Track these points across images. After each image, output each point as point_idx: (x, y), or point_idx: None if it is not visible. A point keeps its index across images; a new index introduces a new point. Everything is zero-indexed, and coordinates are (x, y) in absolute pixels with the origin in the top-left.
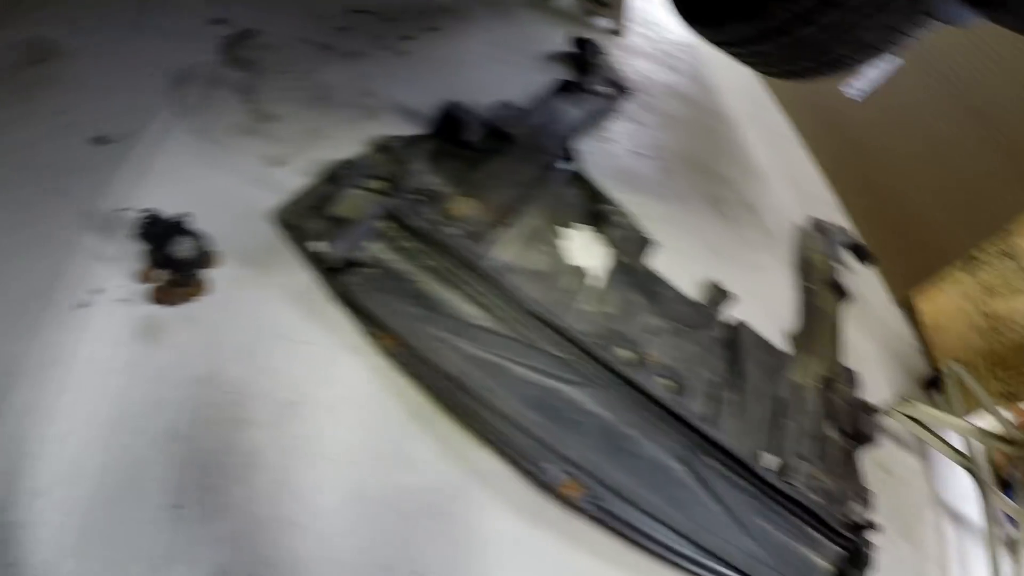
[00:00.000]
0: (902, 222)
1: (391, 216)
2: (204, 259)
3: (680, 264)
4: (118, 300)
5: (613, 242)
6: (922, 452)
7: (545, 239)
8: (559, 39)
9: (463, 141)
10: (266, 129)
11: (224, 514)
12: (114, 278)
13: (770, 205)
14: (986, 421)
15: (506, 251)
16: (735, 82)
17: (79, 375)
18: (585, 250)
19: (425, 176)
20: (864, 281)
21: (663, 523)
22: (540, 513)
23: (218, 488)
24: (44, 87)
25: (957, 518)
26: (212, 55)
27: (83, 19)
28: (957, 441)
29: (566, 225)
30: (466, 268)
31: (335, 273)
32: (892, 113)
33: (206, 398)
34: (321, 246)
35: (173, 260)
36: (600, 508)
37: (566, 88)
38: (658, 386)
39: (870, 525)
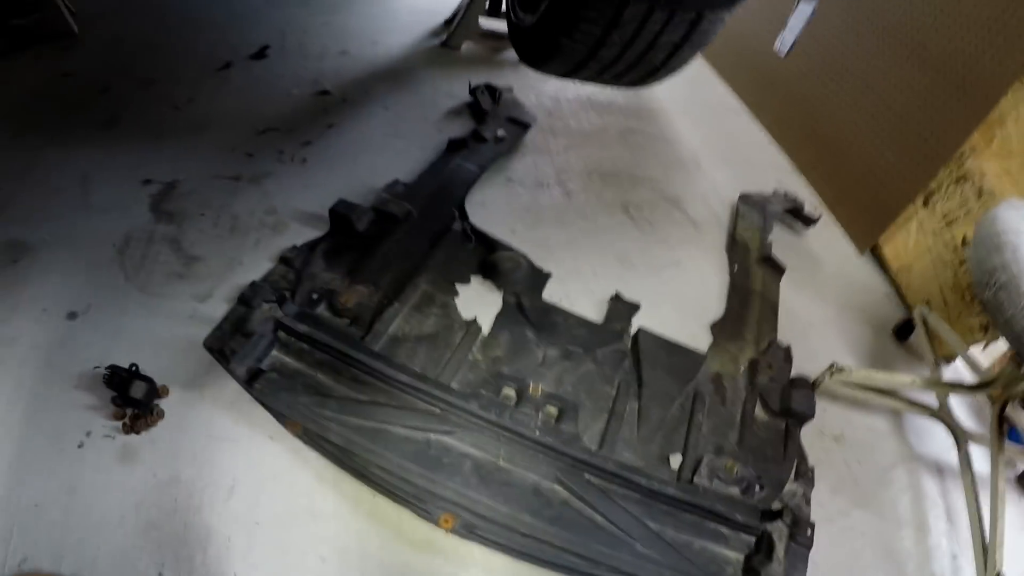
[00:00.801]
0: (857, 172)
1: (281, 326)
2: (156, 392)
3: (582, 287)
4: (103, 436)
5: (505, 286)
6: (894, 411)
7: (436, 302)
8: (463, 91)
9: (355, 233)
10: (193, 271)
11: (191, 575)
12: (98, 421)
13: (698, 193)
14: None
15: (394, 325)
16: None
17: (86, 495)
18: (478, 302)
19: (320, 276)
20: (826, 241)
21: (540, 540)
22: (430, 541)
23: (186, 557)
24: (22, 283)
25: (943, 472)
26: (146, 215)
27: (40, 214)
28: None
29: (459, 283)
30: (350, 354)
31: (248, 382)
32: (821, 59)
33: (170, 495)
34: (231, 365)
35: (133, 399)
36: (474, 533)
37: (458, 146)
38: (526, 419)
39: (785, 506)
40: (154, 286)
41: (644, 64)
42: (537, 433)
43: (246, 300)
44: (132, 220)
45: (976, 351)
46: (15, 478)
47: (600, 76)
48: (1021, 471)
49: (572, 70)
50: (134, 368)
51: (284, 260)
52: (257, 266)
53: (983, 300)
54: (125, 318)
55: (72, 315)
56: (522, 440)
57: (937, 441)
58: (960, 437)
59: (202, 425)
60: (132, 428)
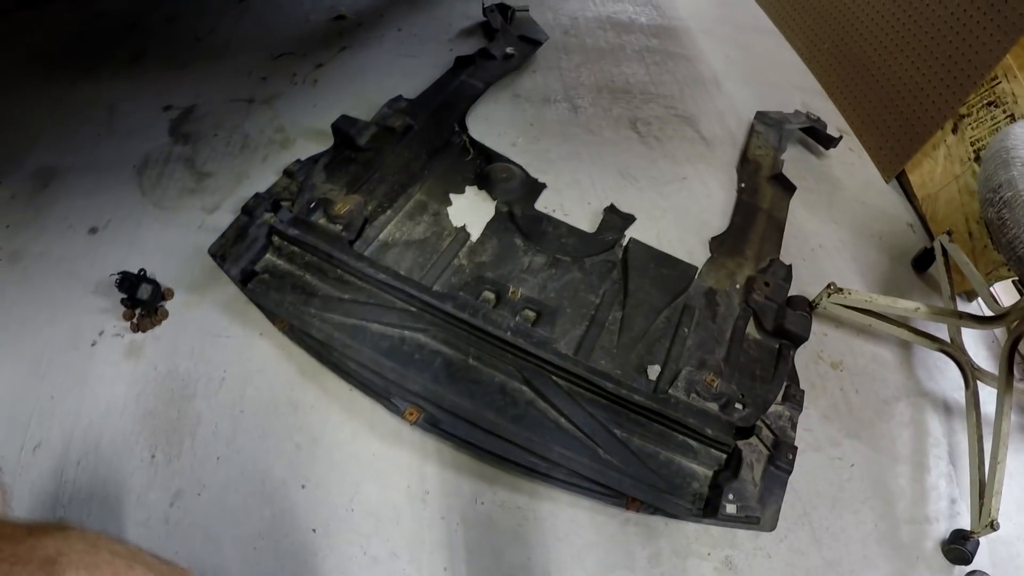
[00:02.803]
0: (886, 95)
1: (274, 230)
2: (161, 294)
3: (578, 198)
4: (113, 335)
5: (498, 195)
6: (902, 343)
7: (429, 210)
8: (479, 11)
9: (356, 147)
10: (204, 185)
11: (179, 457)
12: (109, 321)
13: (714, 112)
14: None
15: (385, 231)
16: None
17: (95, 387)
18: (471, 211)
19: (320, 187)
20: (850, 166)
21: (501, 438)
22: (397, 434)
23: (176, 441)
24: (51, 204)
25: (951, 412)
26: (164, 138)
27: (69, 142)
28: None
29: (454, 193)
30: (335, 255)
31: (243, 283)
32: None
33: (168, 385)
34: (226, 266)
35: (141, 301)
36: (436, 427)
37: (465, 63)
38: (500, 320)
39: (765, 427)
40: (168, 201)
41: None
42: (508, 334)
43: (249, 210)
44: (151, 143)
45: (999, 289)
46: (35, 373)
47: None
48: None
49: None
50: (142, 272)
51: (287, 173)
52: (263, 179)
53: (987, 219)
54: (140, 230)
55: (93, 230)
56: (492, 340)
57: (949, 379)
58: (969, 374)
59: (201, 324)
60: (139, 327)
